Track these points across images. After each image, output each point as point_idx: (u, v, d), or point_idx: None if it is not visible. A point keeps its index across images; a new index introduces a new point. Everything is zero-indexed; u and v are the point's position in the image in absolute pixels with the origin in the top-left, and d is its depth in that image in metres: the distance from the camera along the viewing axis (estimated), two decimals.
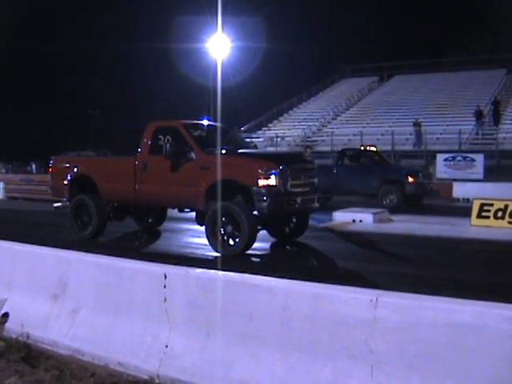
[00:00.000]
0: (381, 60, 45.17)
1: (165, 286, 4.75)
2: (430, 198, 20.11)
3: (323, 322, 4.01)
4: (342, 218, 14.51)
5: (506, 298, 3.89)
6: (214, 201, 9.82)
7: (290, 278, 4.63)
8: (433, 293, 4.15)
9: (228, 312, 4.38)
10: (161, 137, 11.11)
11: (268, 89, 42.95)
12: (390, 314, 3.81)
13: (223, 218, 9.71)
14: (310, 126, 38.04)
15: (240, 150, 11.12)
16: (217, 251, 9.73)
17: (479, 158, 26.10)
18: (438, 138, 31.28)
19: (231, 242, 9.70)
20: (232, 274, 4.70)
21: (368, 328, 3.85)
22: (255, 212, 9.74)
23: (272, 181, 9.61)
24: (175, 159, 10.41)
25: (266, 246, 10.90)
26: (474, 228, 13.30)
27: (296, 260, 9.87)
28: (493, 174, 24.82)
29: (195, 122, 11.87)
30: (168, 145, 10.36)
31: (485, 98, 35.04)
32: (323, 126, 38.43)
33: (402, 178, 18.36)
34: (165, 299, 4.74)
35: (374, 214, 14.52)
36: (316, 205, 10.62)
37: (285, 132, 37.61)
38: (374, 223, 14.16)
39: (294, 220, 11.14)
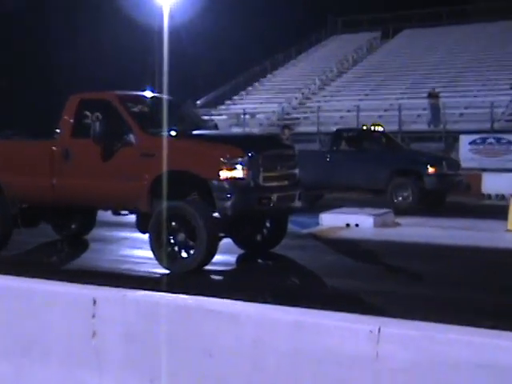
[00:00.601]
0: (384, 9, 45.55)
1: (93, 316, 4.72)
2: (453, 194, 20.31)
3: (306, 361, 4.04)
4: (331, 221, 14.62)
5: None
6: (161, 199, 9.81)
7: (263, 302, 4.65)
8: (453, 321, 4.21)
9: (180, 348, 4.38)
10: (87, 113, 11.05)
11: (233, 49, 42.94)
12: (396, 351, 3.85)
13: (173, 223, 9.71)
14: (289, 98, 38.21)
15: (195, 132, 11.10)
16: (165, 267, 9.72)
17: None
18: (461, 114, 31.69)
19: (184, 255, 9.72)
20: (185, 297, 4.70)
21: (367, 369, 3.89)
22: (216, 214, 9.78)
23: (238, 172, 9.66)
24: (107, 143, 10.38)
25: (231, 259, 10.92)
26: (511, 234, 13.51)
27: (271, 278, 9.91)
28: None
29: (134, 93, 11.83)
30: (97, 124, 10.30)
31: None
32: (307, 98, 38.63)
33: (420, 168, 18.49)
34: (93, 333, 4.71)
35: (374, 216, 14.66)
36: (297, 204, 10.69)
37: (256, 107, 37.72)
38: (375, 228, 14.32)
39: (268, 224, 11.19)
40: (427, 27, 44.12)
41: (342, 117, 33.70)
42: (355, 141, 20.11)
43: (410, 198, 18.24)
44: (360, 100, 35.10)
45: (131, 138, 10.28)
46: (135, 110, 10.95)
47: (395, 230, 14.29)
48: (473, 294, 8.50)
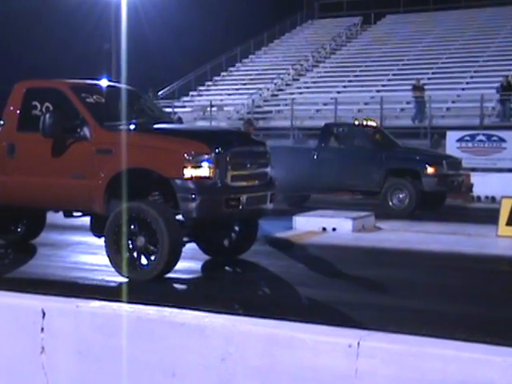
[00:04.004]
0: None
1: (42, 330, 4.69)
2: (454, 196, 20.33)
3: (279, 378, 4.05)
4: (307, 224, 14.65)
5: None
6: (119, 200, 9.75)
7: (232, 314, 4.65)
8: (438, 335, 4.25)
9: (139, 365, 4.37)
10: (36, 104, 10.94)
11: (199, 36, 42.86)
12: (377, 367, 3.88)
13: (132, 226, 9.65)
14: (260, 90, 38.24)
15: (157, 126, 11.08)
16: (123, 275, 9.68)
17: (511, 138, 26.50)
18: (448, 109, 31.93)
19: (144, 261, 9.67)
20: (145, 308, 4.69)
21: None
22: (179, 216, 9.76)
23: (204, 171, 9.63)
24: (59, 138, 10.28)
25: (196, 266, 10.91)
26: (503, 240, 13.65)
27: (239, 287, 9.91)
28: None
29: (89, 82, 11.76)
30: (47, 116, 10.16)
31: None
32: (280, 90, 38.69)
33: (418, 168, 18.43)
34: (42, 349, 4.68)
35: (353, 219, 14.72)
36: (269, 205, 10.70)
37: (223, 99, 37.71)
38: (354, 232, 14.37)
39: (237, 228, 11.20)
40: (412, 13, 44.41)
41: (318, 110, 33.79)
42: (346, 137, 20.03)
43: (407, 200, 18.17)
44: (338, 92, 35.24)
45: (86, 131, 10.19)
46: (90, 100, 10.81)
47: (376, 235, 14.36)
48: (457, 306, 8.55)
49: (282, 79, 39.53)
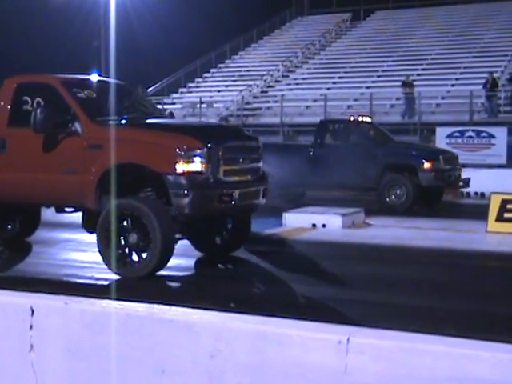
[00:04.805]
0: None
1: (31, 327, 4.67)
2: (451, 192, 20.33)
3: (269, 375, 4.04)
4: (296, 221, 14.67)
5: None
6: (110, 196, 9.75)
7: (221, 311, 4.65)
8: (427, 331, 4.25)
9: (129, 363, 4.35)
10: (27, 99, 10.97)
11: (189, 32, 42.83)
12: (367, 363, 3.87)
13: (124, 222, 9.66)
14: (249, 86, 38.21)
15: (148, 121, 11.07)
16: (115, 272, 9.67)
17: (501, 134, 26.43)
18: (438, 105, 31.98)
19: (136, 258, 9.68)
20: (135, 305, 4.67)
21: (335, 383, 3.90)
22: (172, 212, 9.72)
23: (196, 166, 9.62)
24: (50, 133, 10.26)
25: (188, 263, 10.91)
26: (492, 236, 13.71)
27: (231, 285, 9.90)
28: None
29: (80, 76, 11.72)
30: (39, 111, 10.13)
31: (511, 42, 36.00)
32: (269, 86, 38.67)
33: (415, 163, 18.42)
34: (31, 347, 4.66)
35: (343, 215, 14.74)
36: (261, 201, 10.71)
37: (213, 96, 37.66)
38: (343, 229, 14.40)
39: (230, 224, 11.19)
40: (402, 9, 44.45)
41: (307, 107, 33.80)
42: (342, 133, 20.08)
43: (404, 196, 18.18)
44: (328, 89, 35.24)
45: (77, 127, 10.18)
46: (81, 95, 10.79)
47: (365, 232, 14.38)
48: (446, 302, 8.56)
49: (272, 76, 39.51)
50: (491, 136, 26.43)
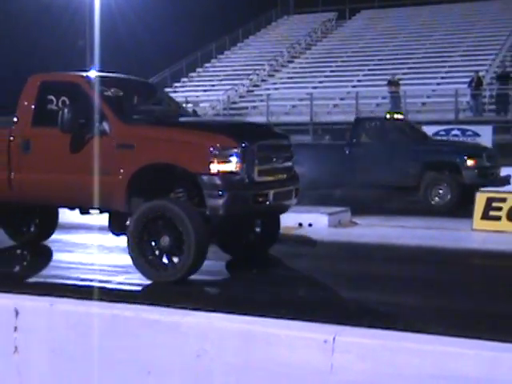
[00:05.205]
0: None
1: (16, 329, 4.65)
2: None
3: (256, 375, 4.05)
4: (282, 220, 14.57)
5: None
6: (140, 197, 9.48)
7: (207, 311, 4.65)
8: (412, 329, 4.26)
9: (114, 363, 4.35)
10: (52, 98, 10.60)
11: (175, 31, 42.74)
12: (352, 361, 3.89)
13: (156, 225, 9.26)
14: (235, 85, 38.20)
15: (179, 119, 10.88)
16: (147, 276, 9.30)
17: (486, 132, 26.52)
18: (424, 104, 32.06)
19: (169, 262, 9.26)
20: (120, 305, 4.67)
21: (321, 382, 3.92)
22: (205, 214, 9.33)
23: (231, 165, 9.27)
24: (77, 133, 9.83)
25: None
26: (477, 234, 13.74)
27: (211, 285, 9.86)
28: (507, 154, 25.30)
29: (105, 74, 11.38)
30: (66, 110, 9.67)
31: (498, 41, 36.19)
32: (255, 86, 38.66)
33: (458, 160, 17.80)
34: (15, 349, 4.64)
35: (329, 214, 14.74)
36: (293, 201, 10.39)
37: (199, 95, 37.61)
38: (330, 228, 14.40)
39: (259, 225, 10.90)
40: (387, 8, 44.52)
41: (294, 106, 33.80)
42: (378, 131, 19.45)
43: (448, 195, 17.60)
44: (314, 88, 35.23)
45: (105, 126, 9.73)
46: (108, 94, 10.39)
47: (352, 230, 14.39)
48: (431, 301, 8.59)
49: (258, 75, 39.49)
50: (476, 134, 26.54)
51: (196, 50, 42.03)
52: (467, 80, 30.33)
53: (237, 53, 43.80)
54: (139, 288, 9.21)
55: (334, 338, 3.93)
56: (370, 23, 43.75)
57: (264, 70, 40.02)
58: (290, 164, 10.49)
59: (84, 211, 10.85)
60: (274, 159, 10.06)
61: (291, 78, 38.57)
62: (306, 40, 43.38)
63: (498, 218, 13.95)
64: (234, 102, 36.57)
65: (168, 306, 4.64)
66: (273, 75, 39.68)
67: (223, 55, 43.56)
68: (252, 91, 37.97)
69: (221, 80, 39.73)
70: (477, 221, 14.06)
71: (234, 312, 4.55)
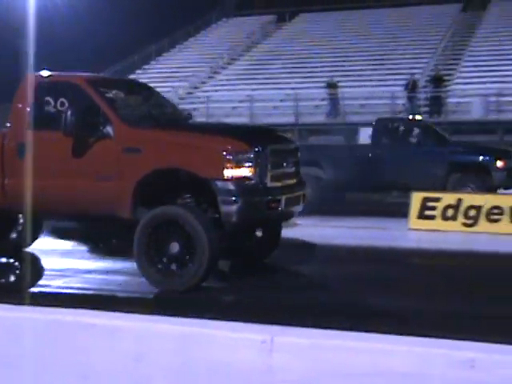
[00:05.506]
0: None
1: None
2: None
3: (194, 377, 4.03)
4: None
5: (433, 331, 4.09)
6: (146, 203, 9.12)
7: (145, 313, 4.61)
8: (349, 328, 4.29)
9: (50, 369, 4.28)
10: (49, 100, 10.01)
11: (112, 33, 42.41)
12: (290, 361, 3.90)
13: (165, 232, 8.93)
14: (175, 88, 38.03)
15: (188, 122, 10.69)
16: (157, 285, 8.99)
17: None
18: (362, 105, 32.34)
19: (179, 270, 8.92)
20: (55, 309, 4.60)
21: (260, 382, 3.91)
22: (218, 220, 9.05)
23: (246, 170, 8.97)
24: (78, 136, 9.40)
25: None
26: (414, 233, 13.95)
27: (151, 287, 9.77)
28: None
29: (104, 75, 11.00)
30: (69, 113, 9.21)
31: (432, 45, 36.74)
32: (195, 88, 38.57)
33: (486, 162, 17.51)
34: None
35: None
36: (301, 207, 10.14)
37: None
38: None
39: (259, 232, 10.59)
40: (327, 11, 44.76)
41: (234, 107, 33.80)
42: (401, 133, 18.99)
43: None
44: (253, 90, 35.28)
45: (108, 129, 9.32)
46: (109, 95, 10.01)
47: (292, 231, 14.41)
48: (366, 300, 8.68)
49: (197, 77, 39.41)
50: None
51: (135, 52, 41.76)
52: (403, 83, 30.75)
53: (176, 55, 43.64)
54: (79, 292, 9.12)
55: (272, 339, 3.93)
56: (309, 26, 43.98)
57: (204, 71, 39.96)
58: (298, 169, 10.22)
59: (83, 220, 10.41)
60: (284, 164, 9.77)
61: (231, 80, 38.57)
62: (245, 42, 43.42)
63: (433, 217, 14.21)
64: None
65: (105, 310, 4.59)
66: (213, 77, 39.63)
67: (162, 57, 43.36)
68: (192, 93, 37.86)
69: (160, 82, 39.49)
70: (413, 220, 14.31)
71: (172, 314, 4.52)
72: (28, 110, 9.92)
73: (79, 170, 9.49)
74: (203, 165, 8.91)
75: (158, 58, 43.15)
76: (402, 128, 19.33)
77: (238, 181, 8.86)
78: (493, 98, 29.45)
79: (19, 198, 9.66)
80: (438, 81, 30.86)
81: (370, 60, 36.39)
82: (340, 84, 31.95)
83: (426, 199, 14.35)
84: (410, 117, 20.44)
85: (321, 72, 35.37)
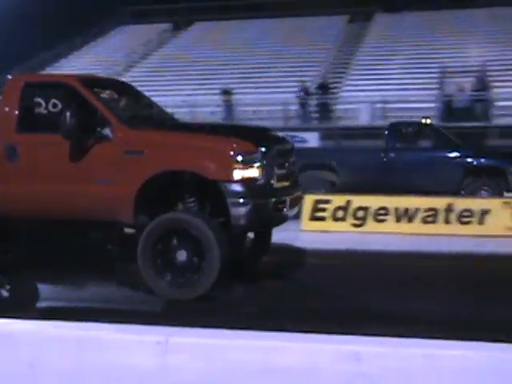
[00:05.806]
0: (176, 0, 46.00)
1: None
2: None
3: (91, 381, 3.98)
4: None
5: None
6: (148, 207, 8.67)
7: (39, 319, 4.53)
8: (241, 327, 4.31)
9: None
10: (40, 101, 9.36)
11: (6, 37, 41.47)
12: (185, 361, 3.90)
13: (171, 238, 8.51)
14: None
15: (192, 123, 10.30)
16: (164, 294, 8.53)
17: (313, 139, 27.67)
18: (255, 111, 32.58)
19: (184, 279, 8.49)
20: None
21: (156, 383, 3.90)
22: (225, 224, 8.64)
23: (253, 171, 8.58)
24: (76, 139, 8.80)
25: None
26: (306, 234, 14.08)
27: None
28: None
29: (96, 76, 10.43)
30: (68, 115, 8.57)
31: (322, 54, 37.28)
32: None
33: (502, 165, 17.01)
34: None
35: None
36: (297, 209, 9.88)
37: None
38: None
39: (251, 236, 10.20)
40: (222, 21, 44.94)
41: None
42: (415, 136, 18.34)
43: None
44: (150, 96, 35.05)
45: (106, 131, 8.76)
46: (104, 96, 9.46)
47: None
48: (261, 297, 8.78)
49: None
50: (304, 141, 27.51)
51: (31, 57, 40.93)
52: (296, 90, 31.20)
53: (73, 61, 42.99)
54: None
55: (166, 340, 3.92)
56: (204, 35, 44.06)
57: None
58: (295, 169, 10.01)
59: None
60: (286, 164, 9.45)
61: None
62: (142, 49, 43.19)
63: (324, 219, 14.44)
64: None
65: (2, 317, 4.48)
66: None
67: (59, 63, 42.65)
68: None
69: None
70: (305, 221, 14.48)
71: (67, 319, 4.45)
72: (16, 111, 9.30)
73: (75, 174, 8.93)
74: (211, 166, 8.50)
75: (55, 65, 42.42)
76: (416, 132, 18.70)
77: (248, 182, 8.49)
78: (379, 105, 30.20)
79: (11, 205, 9.16)
80: (324, 88, 31.56)
81: (264, 68, 36.75)
82: (235, 91, 32.20)
83: (316, 202, 14.57)
84: (423, 120, 20.30)
85: (216, 79, 35.51)
